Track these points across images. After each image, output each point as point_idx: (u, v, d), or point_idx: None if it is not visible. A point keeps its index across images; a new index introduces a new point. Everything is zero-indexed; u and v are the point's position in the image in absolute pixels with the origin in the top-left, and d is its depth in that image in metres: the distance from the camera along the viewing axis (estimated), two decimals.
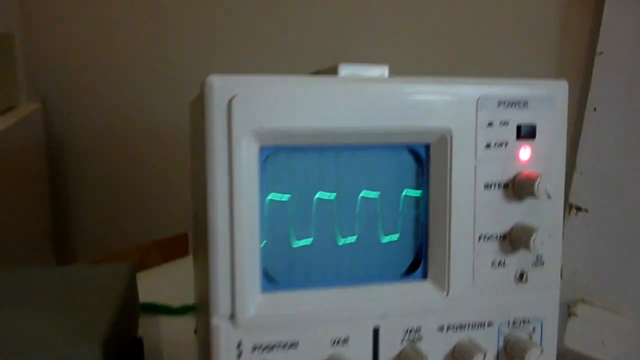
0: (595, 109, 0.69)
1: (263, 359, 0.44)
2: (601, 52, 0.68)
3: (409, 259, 0.47)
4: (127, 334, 0.63)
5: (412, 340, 0.47)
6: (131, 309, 0.66)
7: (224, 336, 0.43)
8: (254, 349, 0.44)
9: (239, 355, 0.43)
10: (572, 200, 0.71)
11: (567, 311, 0.72)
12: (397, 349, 0.46)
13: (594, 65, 0.68)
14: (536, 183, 0.45)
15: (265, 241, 0.45)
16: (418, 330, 0.47)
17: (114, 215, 1.32)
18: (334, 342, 0.45)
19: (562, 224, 0.49)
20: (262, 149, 0.43)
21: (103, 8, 1.26)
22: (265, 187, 0.44)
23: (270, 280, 0.45)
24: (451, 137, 0.45)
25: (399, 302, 0.46)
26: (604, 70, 0.68)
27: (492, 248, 0.47)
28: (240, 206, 0.42)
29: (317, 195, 0.45)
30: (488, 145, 0.46)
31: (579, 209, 0.71)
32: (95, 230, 1.36)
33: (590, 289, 0.72)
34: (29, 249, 1.06)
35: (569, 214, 0.71)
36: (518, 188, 0.47)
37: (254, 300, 0.43)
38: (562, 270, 0.49)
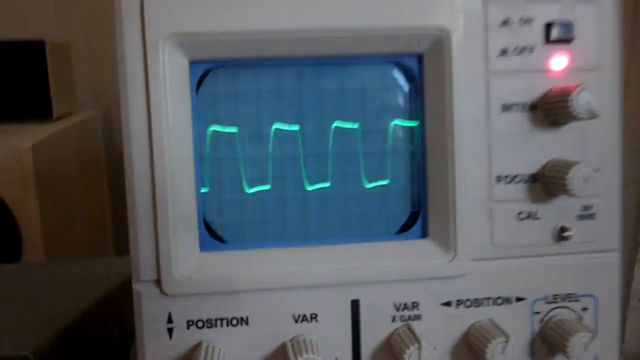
0: None
1: (202, 340, 0.33)
2: None
3: (403, 212, 0.36)
4: (109, 327, 0.56)
5: (407, 319, 0.35)
6: (121, 301, 0.59)
7: (148, 307, 0.33)
8: (190, 324, 0.33)
9: (170, 332, 0.33)
10: None
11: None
12: (385, 329, 0.35)
13: None
14: (572, 96, 0.32)
15: (207, 188, 0.35)
16: (415, 305, 0.35)
17: None
18: (298, 319, 0.34)
19: (620, 156, 0.35)
20: (194, 64, 0.34)
21: None
22: (202, 116, 0.34)
23: (214, 237, 0.35)
24: (450, 42, 0.33)
25: (388, 267, 0.34)
26: None
27: (517, 194, 0.35)
28: (164, 140, 0.32)
29: (274, 127, 0.35)
30: (504, 52, 0.34)
31: None
32: None
33: None
34: (91, 242, 1.10)
35: None
36: (550, 108, 0.34)
37: (189, 260, 0.33)
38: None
